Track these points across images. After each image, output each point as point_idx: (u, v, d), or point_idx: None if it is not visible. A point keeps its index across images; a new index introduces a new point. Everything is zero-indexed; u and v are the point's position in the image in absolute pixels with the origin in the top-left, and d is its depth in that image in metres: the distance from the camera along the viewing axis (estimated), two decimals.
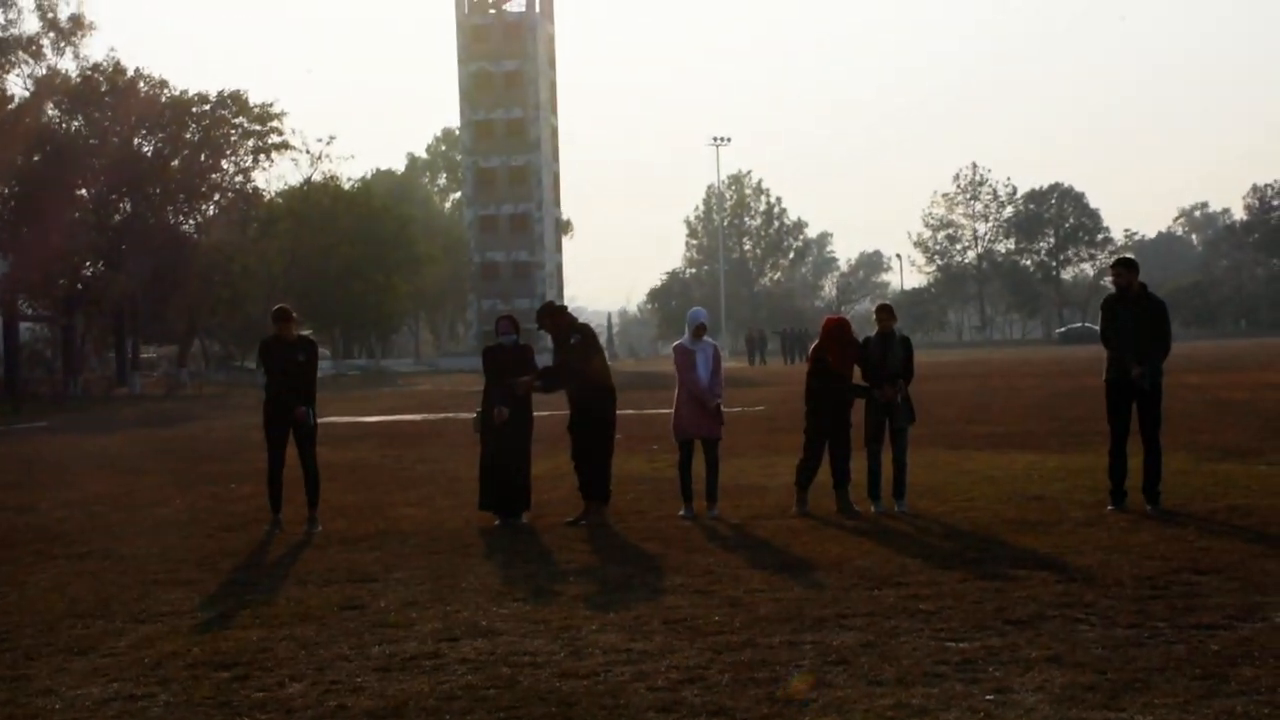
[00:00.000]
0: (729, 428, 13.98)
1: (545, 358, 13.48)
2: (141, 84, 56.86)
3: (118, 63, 56.40)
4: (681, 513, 12.79)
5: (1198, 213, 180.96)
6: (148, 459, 22.19)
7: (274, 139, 61.54)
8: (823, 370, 12.87)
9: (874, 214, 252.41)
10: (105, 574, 10.66)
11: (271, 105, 61.22)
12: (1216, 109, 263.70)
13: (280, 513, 12.84)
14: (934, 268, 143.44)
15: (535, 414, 13.16)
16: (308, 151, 72.16)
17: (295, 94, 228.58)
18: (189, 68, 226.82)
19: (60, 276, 53.31)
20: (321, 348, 76.62)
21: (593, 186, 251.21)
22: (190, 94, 58.93)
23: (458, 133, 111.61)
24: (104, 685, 7.16)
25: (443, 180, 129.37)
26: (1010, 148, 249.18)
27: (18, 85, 53.85)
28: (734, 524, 12.23)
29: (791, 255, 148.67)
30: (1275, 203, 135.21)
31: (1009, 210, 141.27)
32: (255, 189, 62.62)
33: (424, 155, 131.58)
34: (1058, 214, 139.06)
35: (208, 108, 58.86)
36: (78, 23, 54.24)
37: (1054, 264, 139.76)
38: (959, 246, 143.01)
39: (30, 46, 53.16)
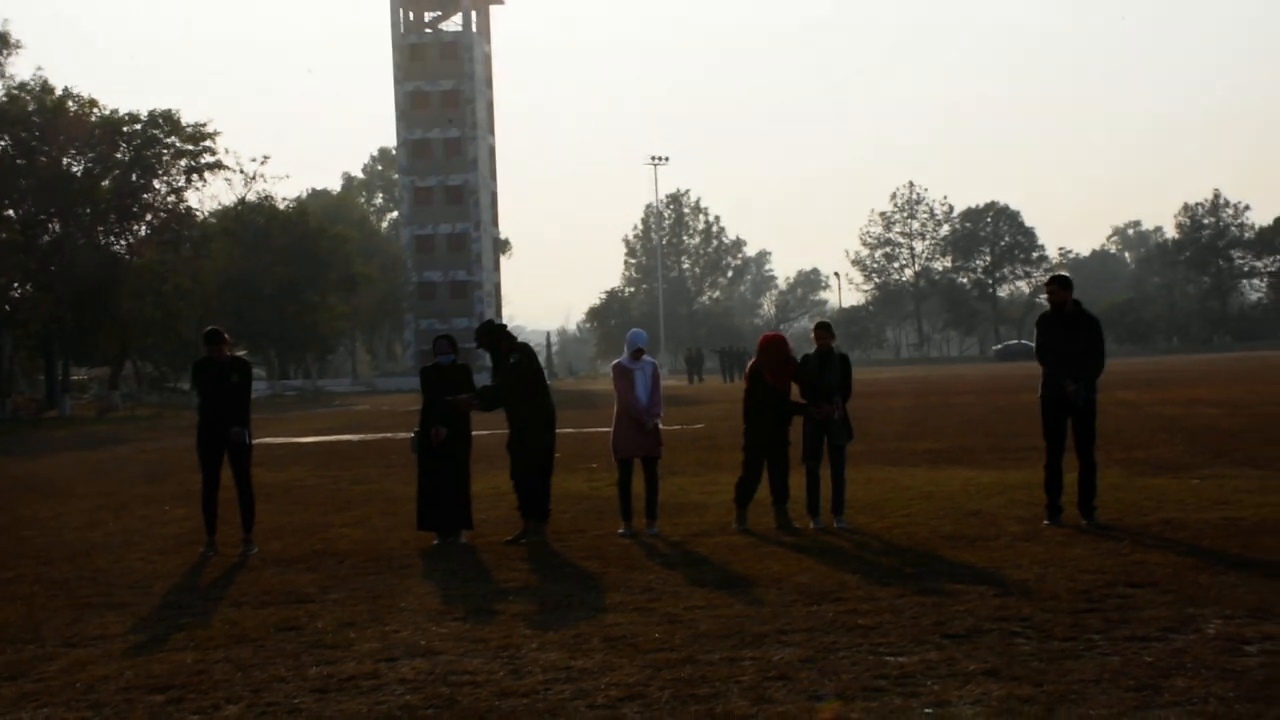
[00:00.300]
0: (669, 446, 14.00)
1: (484, 377, 13.44)
2: (70, 103, 56.22)
3: (45, 82, 55.80)
4: (621, 530, 12.77)
5: (1131, 231, 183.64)
6: (79, 482, 21.88)
7: (207, 159, 60.98)
8: (760, 387, 12.92)
9: (812, 233, 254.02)
10: (36, 598, 10.49)
11: (205, 125, 60.72)
12: (1150, 129, 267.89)
13: (215, 535, 12.69)
14: (871, 286, 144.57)
15: (474, 433, 13.11)
16: (241, 171, 71.76)
17: (230, 114, 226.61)
18: (120, 88, 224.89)
19: None
20: (257, 368, 76.36)
21: (531, 206, 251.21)
22: (121, 113, 58.37)
23: (394, 152, 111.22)
24: (35, 710, 7.04)
25: (379, 200, 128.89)
26: (947, 166, 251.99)
27: None
28: (673, 541, 12.22)
29: (730, 274, 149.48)
30: (1206, 221, 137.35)
31: (946, 229, 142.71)
32: (188, 209, 62.04)
33: (360, 175, 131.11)
34: (994, 232, 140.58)
35: (139, 127, 58.25)
36: (3, 41, 53.58)
37: (990, 282, 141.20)
38: (896, 265, 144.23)
39: None
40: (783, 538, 12.15)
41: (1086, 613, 8.32)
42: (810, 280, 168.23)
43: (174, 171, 60.28)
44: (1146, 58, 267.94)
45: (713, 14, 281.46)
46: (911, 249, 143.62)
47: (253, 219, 75.69)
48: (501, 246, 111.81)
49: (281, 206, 79.83)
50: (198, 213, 64.49)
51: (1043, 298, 12.30)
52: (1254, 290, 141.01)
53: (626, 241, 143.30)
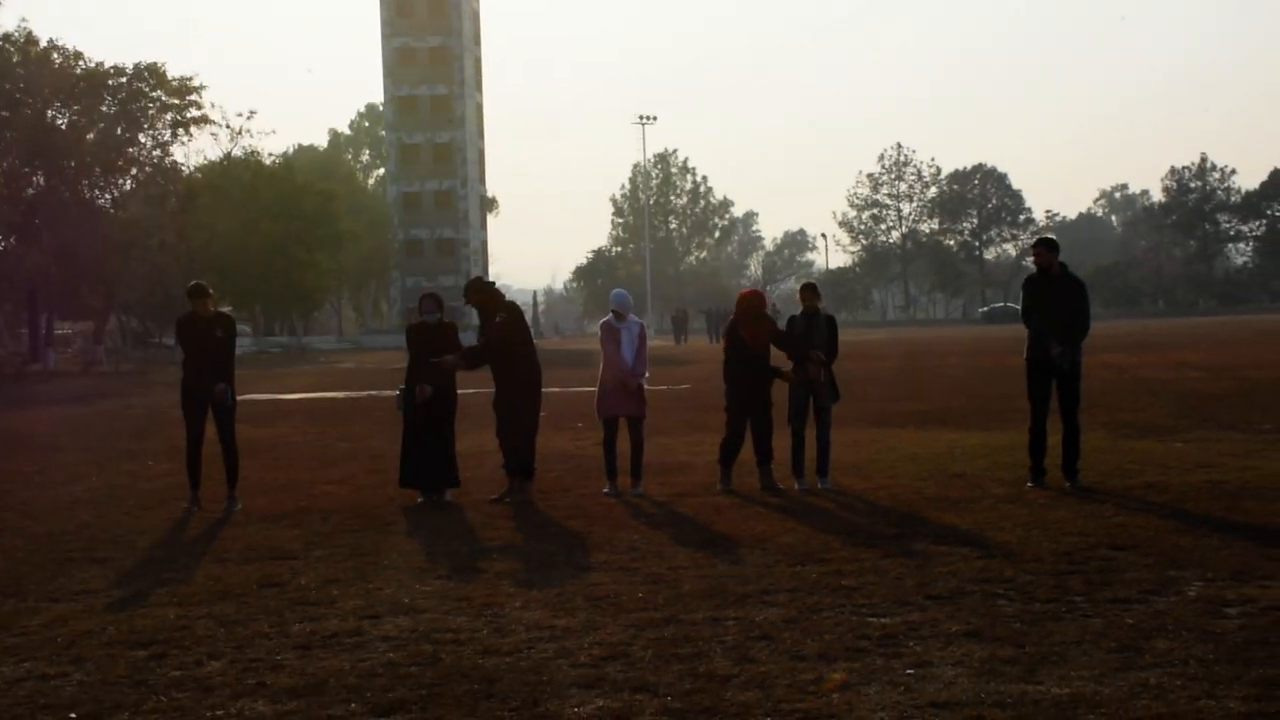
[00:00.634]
0: (654, 406, 13.99)
1: (471, 335, 13.39)
2: (55, 55, 55.79)
3: (30, 34, 55.34)
4: (606, 490, 12.78)
5: (1117, 194, 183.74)
6: (63, 436, 21.83)
7: (193, 113, 60.72)
8: (738, 346, 12.86)
9: (799, 193, 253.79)
10: (17, 552, 10.46)
11: (191, 79, 60.38)
12: (1136, 91, 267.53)
13: (199, 490, 12.67)
14: (858, 247, 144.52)
15: (460, 391, 13.09)
16: (228, 126, 71.19)
17: (216, 68, 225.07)
18: (106, 40, 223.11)
19: None
20: (242, 325, 76.09)
21: (518, 164, 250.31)
22: (106, 66, 57.92)
23: (381, 108, 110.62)
24: (15, 665, 7.02)
25: (366, 156, 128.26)
26: (934, 128, 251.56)
27: None
28: (658, 501, 12.23)
29: (717, 234, 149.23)
30: (1193, 185, 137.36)
31: (933, 191, 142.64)
32: (174, 163, 61.83)
33: (347, 131, 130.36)
34: (981, 194, 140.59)
35: (124, 80, 57.87)
36: None
37: (977, 244, 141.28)
38: (883, 226, 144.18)
39: None
40: (767, 498, 12.16)
41: (1069, 575, 8.35)
42: (797, 241, 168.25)
43: (159, 125, 60.01)
44: (1134, 20, 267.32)
45: None
46: (899, 211, 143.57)
47: (239, 174, 75.29)
48: (489, 205, 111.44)
49: (268, 162, 79.44)
50: (183, 167, 64.24)
51: (1029, 260, 12.33)
52: (1240, 254, 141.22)
53: (614, 201, 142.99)
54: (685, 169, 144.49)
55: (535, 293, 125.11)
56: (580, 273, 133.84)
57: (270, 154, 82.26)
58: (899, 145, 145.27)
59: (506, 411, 12.73)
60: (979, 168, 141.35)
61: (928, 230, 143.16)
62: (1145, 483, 12.24)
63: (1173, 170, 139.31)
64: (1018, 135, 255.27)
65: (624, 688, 6.28)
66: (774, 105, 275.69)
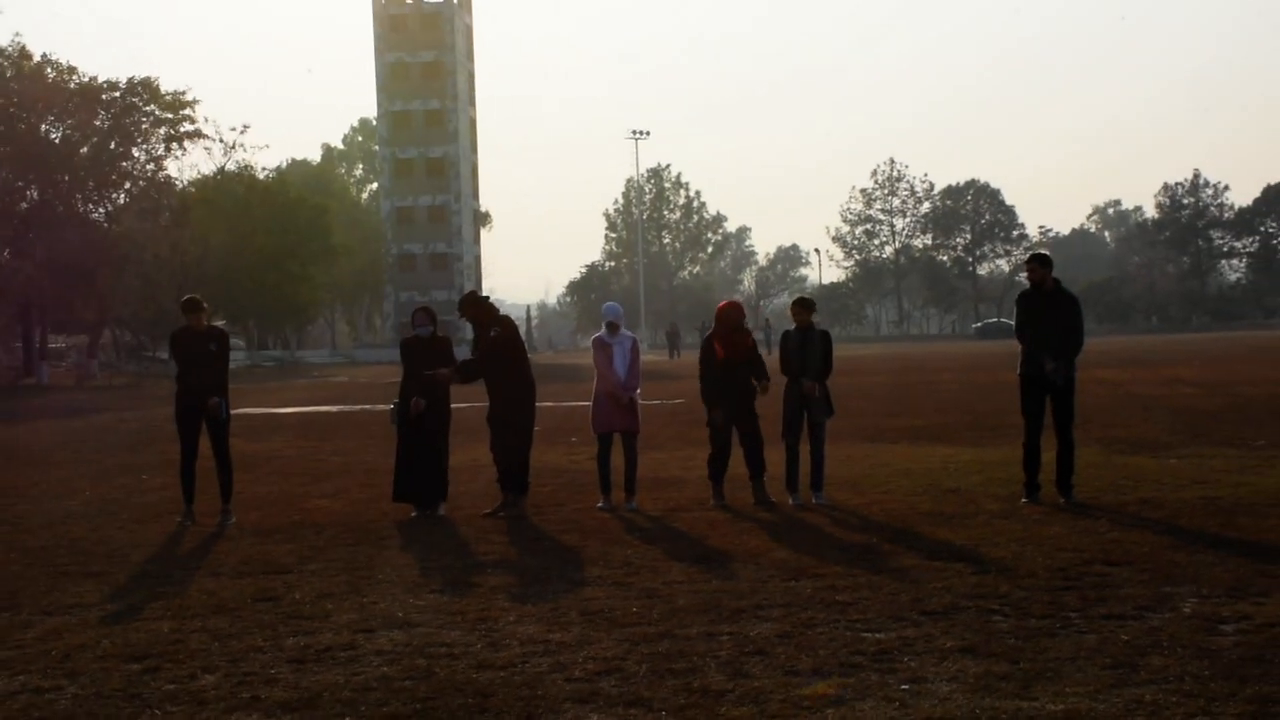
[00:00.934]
0: (648, 421, 13.99)
1: (465, 350, 13.40)
2: (49, 70, 55.81)
3: (23, 48, 55.37)
4: (600, 505, 12.77)
5: (1111, 210, 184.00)
6: (57, 450, 21.79)
7: (186, 127, 60.69)
8: (709, 358, 12.83)
9: (792, 209, 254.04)
10: (11, 566, 10.44)
11: (184, 93, 60.37)
12: (1129, 108, 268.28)
13: (193, 504, 12.65)
14: (852, 262, 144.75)
15: (454, 406, 13.08)
16: (221, 140, 71.17)
17: (209, 83, 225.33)
18: (99, 55, 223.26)
19: None
20: (236, 339, 76.03)
21: (511, 179, 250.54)
22: (100, 80, 57.95)
23: (375, 123, 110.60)
24: (10, 678, 7.01)
25: (359, 171, 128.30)
26: (928, 144, 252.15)
27: None
28: (652, 516, 12.22)
29: (710, 249, 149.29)
30: (1186, 201, 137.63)
31: (926, 206, 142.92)
32: (167, 177, 61.82)
33: (340, 146, 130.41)
34: (974, 210, 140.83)
35: (118, 94, 57.88)
36: None
37: (970, 259, 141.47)
38: (877, 241, 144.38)
39: None
40: (760, 513, 12.16)
41: (1063, 591, 8.35)
42: (790, 256, 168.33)
43: (153, 140, 59.98)
44: (1128, 37, 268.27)
45: None
46: (892, 226, 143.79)
47: (232, 188, 75.27)
48: (482, 219, 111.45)
49: (261, 176, 79.46)
50: (177, 182, 64.27)
51: (1022, 276, 12.39)
52: (1233, 271, 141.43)
53: (607, 216, 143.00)
54: (679, 184, 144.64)
55: (529, 307, 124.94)
56: (574, 287, 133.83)
57: (264, 168, 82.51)
58: (892, 161, 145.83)
59: (500, 426, 12.73)
60: (972, 183, 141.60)
61: (921, 246, 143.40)
62: (1139, 498, 12.25)
63: (1166, 186, 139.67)
64: (1011, 151, 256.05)
65: (618, 702, 6.28)
66: (767, 120, 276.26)
